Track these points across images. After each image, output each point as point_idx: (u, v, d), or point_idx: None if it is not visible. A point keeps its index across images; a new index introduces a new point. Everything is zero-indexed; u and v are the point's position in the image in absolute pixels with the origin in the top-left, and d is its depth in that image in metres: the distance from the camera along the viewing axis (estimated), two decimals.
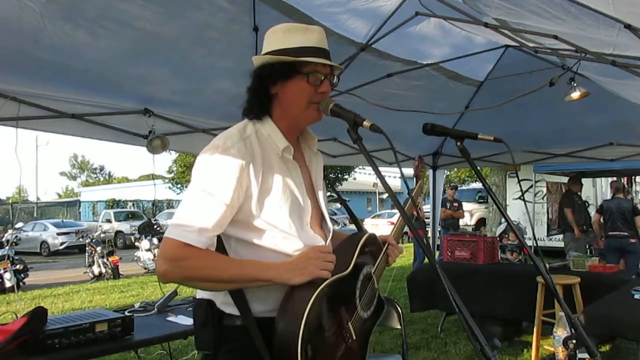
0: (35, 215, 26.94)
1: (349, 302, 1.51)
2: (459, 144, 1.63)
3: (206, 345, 1.47)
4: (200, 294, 1.52)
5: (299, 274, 1.40)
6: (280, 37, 1.51)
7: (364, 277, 1.57)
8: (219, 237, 1.45)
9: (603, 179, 12.48)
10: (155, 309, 3.27)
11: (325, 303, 1.42)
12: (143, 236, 12.66)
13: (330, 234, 1.62)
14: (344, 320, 1.49)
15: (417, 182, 2.06)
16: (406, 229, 1.81)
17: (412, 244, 10.14)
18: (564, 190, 8.31)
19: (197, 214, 1.37)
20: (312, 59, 1.47)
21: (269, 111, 1.54)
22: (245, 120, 1.55)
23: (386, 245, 1.71)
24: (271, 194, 1.45)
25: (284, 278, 1.40)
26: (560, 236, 11.57)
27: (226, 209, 1.38)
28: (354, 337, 1.50)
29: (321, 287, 1.38)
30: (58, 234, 18.81)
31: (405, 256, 8.39)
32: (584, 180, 8.51)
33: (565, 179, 10.63)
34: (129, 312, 3.15)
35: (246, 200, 1.42)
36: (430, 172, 7.12)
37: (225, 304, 1.46)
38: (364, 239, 1.60)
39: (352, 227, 1.88)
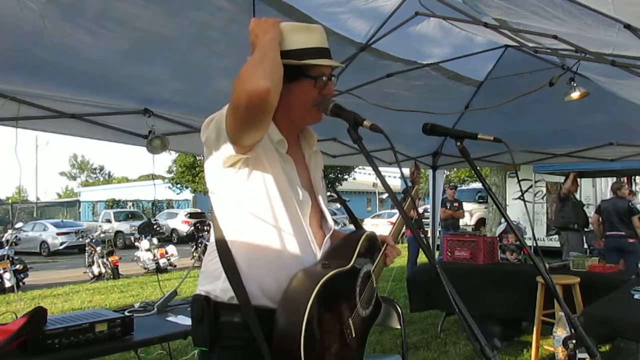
0: (35, 215, 26.95)
1: (349, 299, 1.51)
2: (458, 144, 1.63)
3: (202, 342, 1.46)
4: (198, 290, 1.52)
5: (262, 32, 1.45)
6: (283, 37, 1.50)
7: (364, 275, 1.57)
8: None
9: (603, 179, 12.47)
10: (155, 309, 3.27)
11: (327, 298, 1.41)
12: (143, 236, 12.66)
13: (330, 233, 1.62)
14: (344, 317, 1.48)
15: (413, 187, 2.07)
16: (405, 229, 1.81)
17: (406, 245, 10.04)
18: (562, 191, 8.25)
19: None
20: (318, 61, 1.47)
21: None
22: None
23: (385, 245, 1.71)
24: (265, 178, 1.45)
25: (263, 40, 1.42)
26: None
27: None
28: (354, 335, 1.50)
29: (323, 280, 1.38)
30: (58, 234, 18.82)
31: (405, 256, 8.39)
32: (583, 180, 8.50)
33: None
34: (128, 312, 3.15)
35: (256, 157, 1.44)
36: (430, 172, 7.11)
37: (224, 291, 1.44)
38: (364, 236, 1.61)
39: (352, 227, 1.88)
